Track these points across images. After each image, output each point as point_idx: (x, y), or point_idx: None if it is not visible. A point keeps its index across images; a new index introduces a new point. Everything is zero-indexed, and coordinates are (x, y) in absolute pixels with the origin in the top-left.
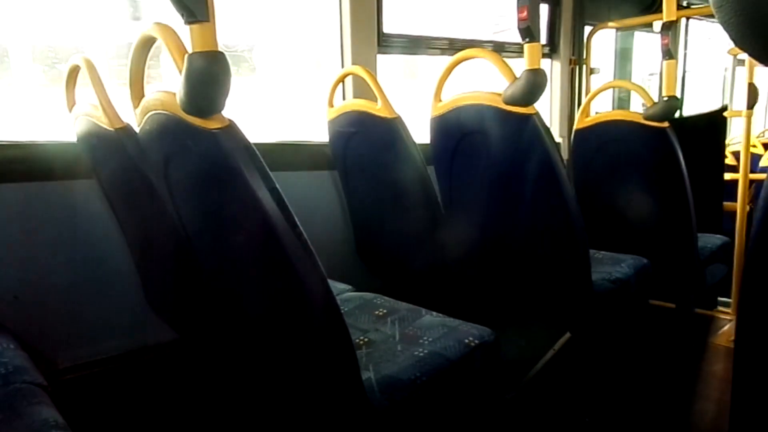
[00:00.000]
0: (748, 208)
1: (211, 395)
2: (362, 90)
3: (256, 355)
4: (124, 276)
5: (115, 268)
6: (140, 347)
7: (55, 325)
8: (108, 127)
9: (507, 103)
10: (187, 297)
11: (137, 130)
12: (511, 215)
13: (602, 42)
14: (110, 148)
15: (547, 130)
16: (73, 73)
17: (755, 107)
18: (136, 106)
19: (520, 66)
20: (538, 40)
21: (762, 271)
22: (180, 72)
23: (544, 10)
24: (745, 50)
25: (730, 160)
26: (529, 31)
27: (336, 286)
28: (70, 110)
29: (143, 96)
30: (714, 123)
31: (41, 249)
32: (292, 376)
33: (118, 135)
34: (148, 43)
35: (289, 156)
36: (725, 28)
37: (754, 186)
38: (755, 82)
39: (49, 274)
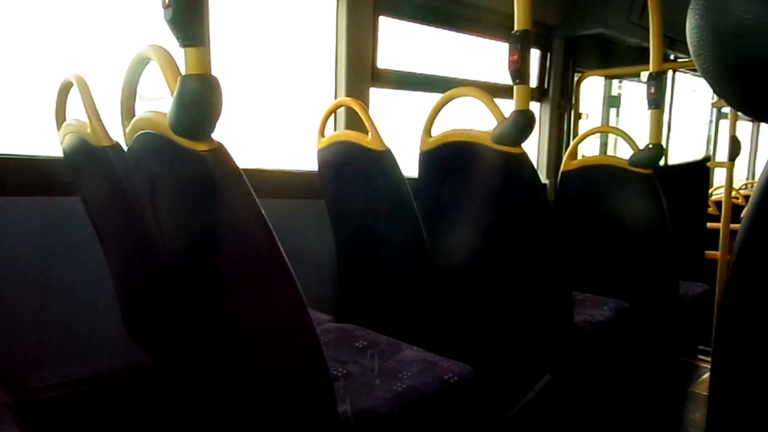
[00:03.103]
0: (729, 257)
1: (186, 421)
2: (354, 122)
3: (232, 383)
4: (101, 297)
5: (91, 289)
6: (114, 370)
7: (26, 344)
8: (96, 145)
9: (495, 141)
10: (166, 321)
11: (125, 148)
12: (496, 253)
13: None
14: (97, 166)
15: (534, 171)
16: (65, 89)
17: (737, 159)
18: (126, 125)
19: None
20: (528, 83)
21: (735, 318)
22: (172, 93)
23: (535, 55)
24: (723, 98)
25: (712, 210)
26: (519, 74)
27: (317, 316)
28: (59, 126)
29: (134, 115)
30: (697, 172)
31: (16, 265)
32: (269, 405)
33: (106, 152)
34: (141, 63)
35: (277, 183)
36: (704, 76)
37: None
38: (737, 135)
39: (23, 291)
